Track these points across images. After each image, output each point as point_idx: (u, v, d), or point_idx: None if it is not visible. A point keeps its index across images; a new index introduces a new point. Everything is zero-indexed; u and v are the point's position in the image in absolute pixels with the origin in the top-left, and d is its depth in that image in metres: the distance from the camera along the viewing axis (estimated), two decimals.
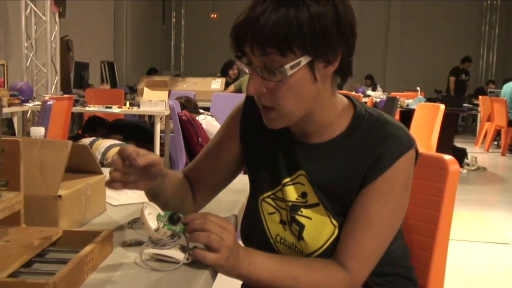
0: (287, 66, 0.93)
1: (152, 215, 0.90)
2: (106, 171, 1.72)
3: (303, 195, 1.07)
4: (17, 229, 0.92)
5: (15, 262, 0.77)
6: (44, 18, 5.94)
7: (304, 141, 1.08)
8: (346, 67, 1.01)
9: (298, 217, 1.06)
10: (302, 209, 1.06)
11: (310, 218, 1.05)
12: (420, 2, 13.99)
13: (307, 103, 1.00)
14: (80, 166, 1.17)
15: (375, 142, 1.01)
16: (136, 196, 1.37)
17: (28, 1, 5.92)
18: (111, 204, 1.28)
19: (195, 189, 1.20)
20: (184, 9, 14.71)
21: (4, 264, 0.75)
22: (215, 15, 13.73)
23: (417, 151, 1.04)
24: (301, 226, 1.05)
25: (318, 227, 1.04)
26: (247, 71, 0.99)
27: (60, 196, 0.99)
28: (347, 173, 1.03)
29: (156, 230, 0.88)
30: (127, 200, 1.34)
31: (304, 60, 0.94)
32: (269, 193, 1.12)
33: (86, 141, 3.49)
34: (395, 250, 1.09)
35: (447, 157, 1.31)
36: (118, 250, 0.95)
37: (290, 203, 1.08)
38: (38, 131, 1.38)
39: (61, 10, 6.08)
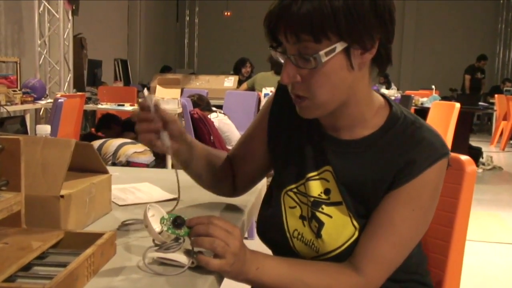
0: (322, 52, 0.90)
1: (156, 217, 0.86)
2: (115, 169, 1.70)
3: (327, 191, 1.04)
4: (17, 231, 0.89)
5: (13, 265, 0.75)
6: (57, 16, 5.95)
7: (335, 136, 1.05)
8: (385, 54, 0.97)
9: (318, 214, 1.03)
10: (323, 206, 1.03)
11: (330, 217, 1.02)
12: (435, 0, 13.84)
13: (342, 92, 0.96)
14: (85, 165, 1.15)
15: (408, 145, 0.98)
16: (144, 196, 1.35)
17: None
18: (117, 204, 1.26)
19: (235, 175, 1.22)
20: (198, 7, 14.71)
21: (1, 267, 0.73)
22: (228, 13, 13.70)
23: (449, 161, 1.00)
24: (321, 224, 1.02)
25: (338, 227, 1.01)
26: (282, 61, 0.97)
27: (62, 196, 0.96)
28: (375, 174, 0.99)
29: (160, 233, 0.85)
30: (134, 199, 1.31)
31: (339, 47, 0.91)
32: (293, 186, 1.09)
33: (97, 143, 3.46)
34: (413, 257, 1.05)
35: (464, 158, 1.26)
36: (121, 252, 0.92)
37: (312, 199, 1.04)
38: (44, 129, 1.36)
39: (74, 8, 6.09)
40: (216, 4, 14.09)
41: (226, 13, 13.73)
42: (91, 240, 0.86)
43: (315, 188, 1.05)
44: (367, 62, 0.96)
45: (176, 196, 1.31)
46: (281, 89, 1.16)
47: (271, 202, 1.11)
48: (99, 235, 0.88)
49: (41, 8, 5.98)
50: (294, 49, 0.92)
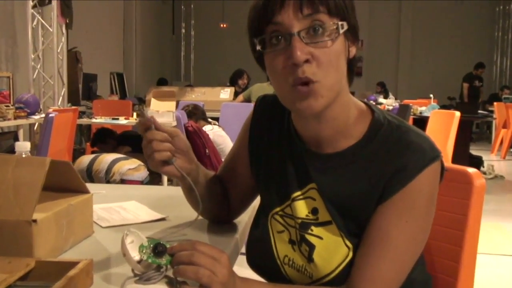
0: (333, 28, 0.86)
1: (135, 244, 0.78)
2: (101, 187, 1.61)
3: (314, 211, 0.96)
4: None
5: None
6: (51, 30, 5.88)
7: (316, 151, 0.97)
8: (355, 62, 0.94)
9: (308, 236, 0.95)
10: (312, 227, 0.95)
11: (321, 238, 0.94)
12: (432, 7, 13.83)
13: (341, 81, 0.91)
14: (64, 184, 1.06)
15: (395, 152, 0.90)
16: (129, 216, 1.26)
17: (35, 13, 5.88)
18: (100, 226, 1.17)
19: (227, 198, 1.15)
20: (193, 20, 14.69)
21: None
22: (224, 25, 13.69)
23: (442, 164, 0.92)
24: (311, 247, 0.94)
25: (330, 248, 0.93)
26: (272, 49, 0.89)
27: (35, 221, 0.87)
28: (363, 187, 0.91)
29: (139, 261, 0.77)
30: (119, 220, 1.22)
31: (345, 25, 0.88)
32: (278, 209, 1.01)
33: (87, 158, 3.37)
34: (416, 277, 0.96)
35: (471, 170, 1.18)
36: (99, 283, 0.83)
37: (300, 220, 0.96)
38: (23, 146, 1.27)
39: (67, 21, 6.02)
40: (212, 16, 14.08)
41: (222, 25, 13.71)
42: (65, 270, 0.77)
43: (302, 208, 0.97)
44: (346, 60, 0.92)
45: (163, 216, 1.24)
46: (259, 104, 1.10)
47: (258, 227, 1.03)
48: (73, 264, 0.79)
49: (35, 22, 5.92)
50: (305, 23, 0.86)
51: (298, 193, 0.98)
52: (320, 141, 0.96)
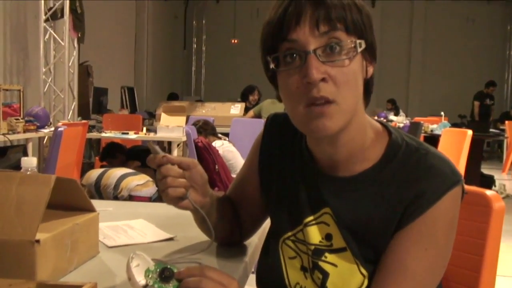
0: (351, 46, 0.83)
1: (141, 268, 0.74)
2: (108, 204, 1.58)
3: (328, 237, 0.92)
4: None
5: None
6: (63, 44, 5.92)
7: (331, 174, 0.93)
8: (371, 82, 0.91)
9: (321, 264, 0.90)
10: (326, 254, 0.91)
11: (335, 265, 0.90)
12: (443, 26, 13.81)
13: (358, 102, 0.88)
14: (69, 202, 1.03)
15: (414, 176, 0.86)
16: (136, 235, 1.23)
17: (47, 27, 5.92)
18: (106, 245, 1.14)
19: (238, 220, 1.11)
20: (205, 35, 14.76)
21: None
22: (235, 41, 13.73)
23: (463, 188, 0.88)
24: (325, 274, 0.89)
25: (345, 276, 0.88)
26: (283, 68, 0.86)
27: (38, 241, 0.84)
28: (380, 212, 0.87)
29: (145, 286, 0.73)
30: (126, 240, 1.19)
31: (363, 44, 0.84)
32: (289, 233, 0.97)
33: (96, 173, 3.35)
34: None
35: (490, 193, 1.14)
36: None
37: (313, 247, 0.92)
38: (29, 162, 1.25)
39: (79, 35, 6.06)
40: (224, 32, 14.14)
41: (233, 41, 13.76)
42: None
43: (315, 234, 0.93)
44: (364, 80, 0.89)
45: (172, 235, 1.20)
46: (270, 123, 1.06)
47: (269, 253, 0.99)
48: None
49: (47, 36, 5.96)
50: (322, 41, 0.83)
51: (311, 218, 0.94)
52: (335, 164, 0.92)
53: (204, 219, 0.96)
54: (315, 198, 0.94)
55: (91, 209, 1.05)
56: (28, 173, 1.01)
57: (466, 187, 1.15)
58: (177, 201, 0.92)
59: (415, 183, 0.85)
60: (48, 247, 0.87)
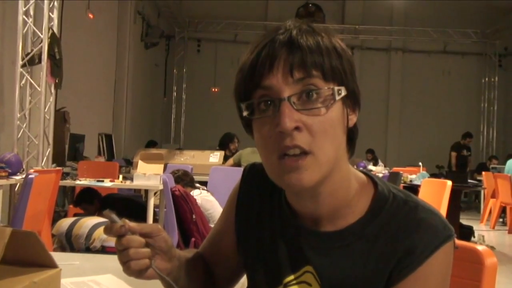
0: (328, 94, 0.78)
1: None
2: (75, 257, 1.48)
3: None
4: None
5: None
6: (39, 89, 5.84)
7: (313, 229, 0.86)
8: (355, 131, 0.85)
9: None
10: None
11: None
12: (420, 78, 14.13)
13: (338, 152, 0.81)
14: (28, 258, 0.94)
15: (404, 231, 0.80)
16: None
17: (24, 72, 5.85)
18: None
19: (212, 279, 1.01)
20: (185, 83, 14.84)
21: None
22: (216, 89, 13.81)
23: (454, 243, 0.82)
24: None
25: None
26: (257, 116, 0.81)
27: None
28: (367, 270, 0.80)
29: None
30: None
31: (342, 91, 0.79)
32: None
33: (67, 222, 3.22)
34: None
35: (481, 248, 1.08)
36: None
37: None
38: None
39: (57, 81, 5.99)
40: (204, 80, 14.24)
41: (213, 89, 13.84)
42: None
43: None
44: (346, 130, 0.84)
45: None
46: (248, 173, 0.99)
47: None
48: None
49: (23, 81, 5.88)
50: (297, 88, 0.78)
51: (291, 277, 0.87)
52: (317, 218, 0.86)
53: (172, 286, 0.87)
54: (296, 256, 0.87)
55: (52, 265, 0.96)
56: None
57: (457, 242, 1.10)
58: (140, 274, 0.83)
59: (405, 239, 0.79)
60: None
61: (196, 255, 1.02)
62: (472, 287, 1.05)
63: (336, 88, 0.79)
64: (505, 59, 14.17)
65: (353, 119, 0.84)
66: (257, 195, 0.96)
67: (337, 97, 0.79)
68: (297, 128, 0.77)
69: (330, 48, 0.79)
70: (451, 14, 13.56)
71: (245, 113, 0.81)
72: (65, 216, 5.36)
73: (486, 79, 14.34)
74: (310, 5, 12.68)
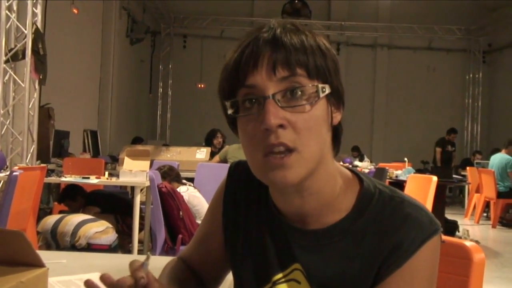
0: (313, 91, 0.78)
1: None
2: (61, 255, 1.46)
3: None
4: None
5: None
6: (23, 85, 5.77)
7: (300, 227, 0.86)
8: (340, 128, 0.86)
9: None
10: None
11: None
12: (405, 75, 14.21)
13: (323, 149, 0.81)
14: (15, 257, 0.93)
15: (390, 227, 0.80)
16: None
17: (7, 68, 5.77)
18: None
19: (200, 282, 1.01)
20: (171, 79, 14.76)
21: None
22: (202, 85, 13.77)
23: (441, 237, 0.82)
24: None
25: None
26: (243, 114, 0.81)
27: None
28: (355, 267, 0.81)
29: None
30: None
31: (326, 89, 0.79)
32: None
33: (52, 219, 3.19)
34: None
35: (469, 244, 1.09)
36: None
37: None
38: None
39: (41, 77, 5.92)
40: (190, 76, 14.18)
41: (199, 85, 13.79)
42: None
43: None
44: (331, 127, 0.84)
45: None
46: (233, 171, 0.99)
47: None
48: None
49: (6, 77, 5.80)
50: (281, 86, 0.78)
51: (280, 275, 0.87)
52: (304, 216, 0.86)
53: None
54: (284, 254, 0.87)
55: (39, 264, 0.95)
56: None
57: (446, 237, 1.10)
58: None
59: (391, 234, 0.80)
60: None
61: (185, 273, 1.00)
62: (461, 283, 1.05)
63: (320, 85, 0.79)
64: (489, 55, 14.30)
65: (337, 117, 0.84)
66: (244, 192, 0.96)
67: (321, 95, 0.79)
68: (281, 126, 0.77)
69: (315, 47, 0.80)
70: (436, 11, 13.65)
71: (230, 111, 0.82)
72: (50, 213, 5.31)
73: (471, 75, 14.47)
74: (296, 1, 12.67)
